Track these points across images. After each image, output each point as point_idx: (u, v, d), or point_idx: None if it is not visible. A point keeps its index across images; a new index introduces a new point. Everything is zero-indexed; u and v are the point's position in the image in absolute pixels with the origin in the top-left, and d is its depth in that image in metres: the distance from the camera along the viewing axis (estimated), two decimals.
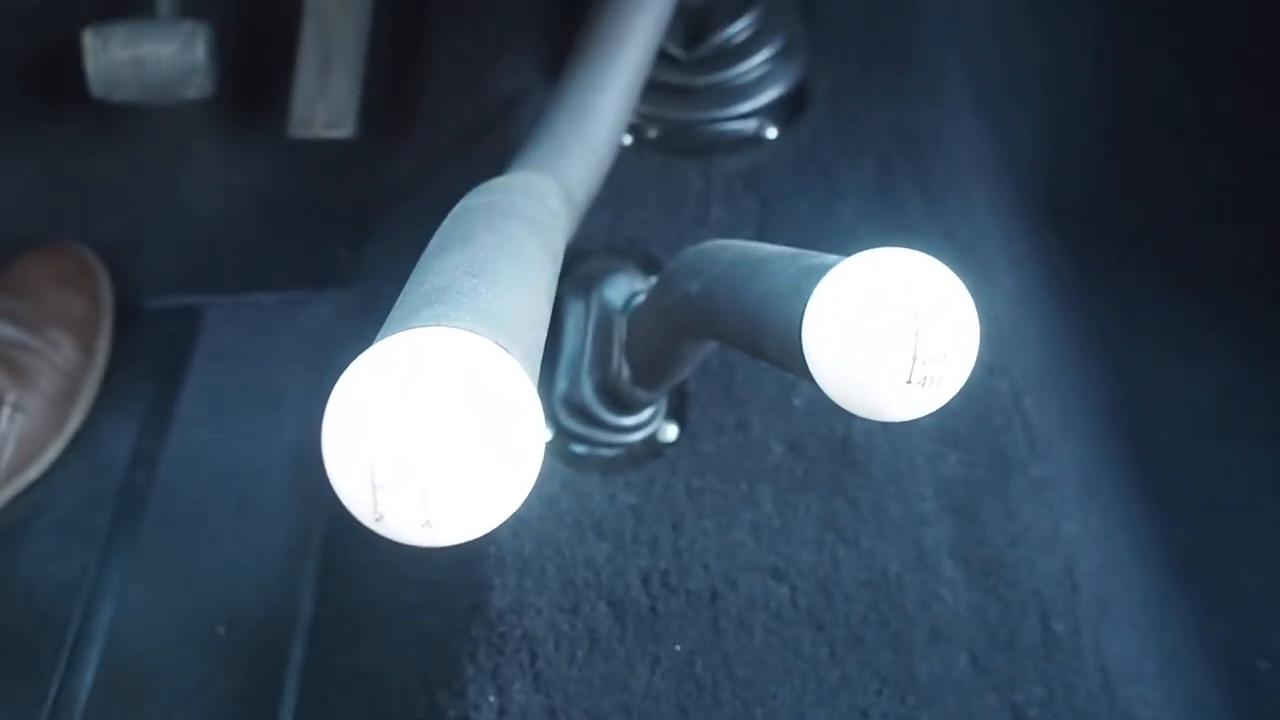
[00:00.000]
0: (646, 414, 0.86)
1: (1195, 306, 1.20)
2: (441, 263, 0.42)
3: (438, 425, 0.34)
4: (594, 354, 0.84)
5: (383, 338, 0.36)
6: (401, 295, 0.42)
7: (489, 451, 0.34)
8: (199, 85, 1.11)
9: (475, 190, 0.57)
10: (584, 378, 0.84)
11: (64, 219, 1.19)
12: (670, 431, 0.88)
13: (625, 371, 0.82)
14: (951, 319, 0.44)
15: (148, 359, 1.12)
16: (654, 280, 0.93)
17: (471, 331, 0.36)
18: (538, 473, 0.36)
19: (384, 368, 0.35)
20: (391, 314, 0.40)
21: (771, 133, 1.07)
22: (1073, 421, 0.99)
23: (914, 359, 0.45)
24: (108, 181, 1.22)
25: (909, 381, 0.45)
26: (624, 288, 0.87)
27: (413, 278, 0.43)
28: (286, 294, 1.19)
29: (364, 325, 1.18)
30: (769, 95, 1.06)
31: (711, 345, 0.74)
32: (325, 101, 1.16)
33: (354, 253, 1.21)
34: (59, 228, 1.17)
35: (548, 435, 0.86)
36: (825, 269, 0.48)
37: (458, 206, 0.55)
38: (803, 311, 0.48)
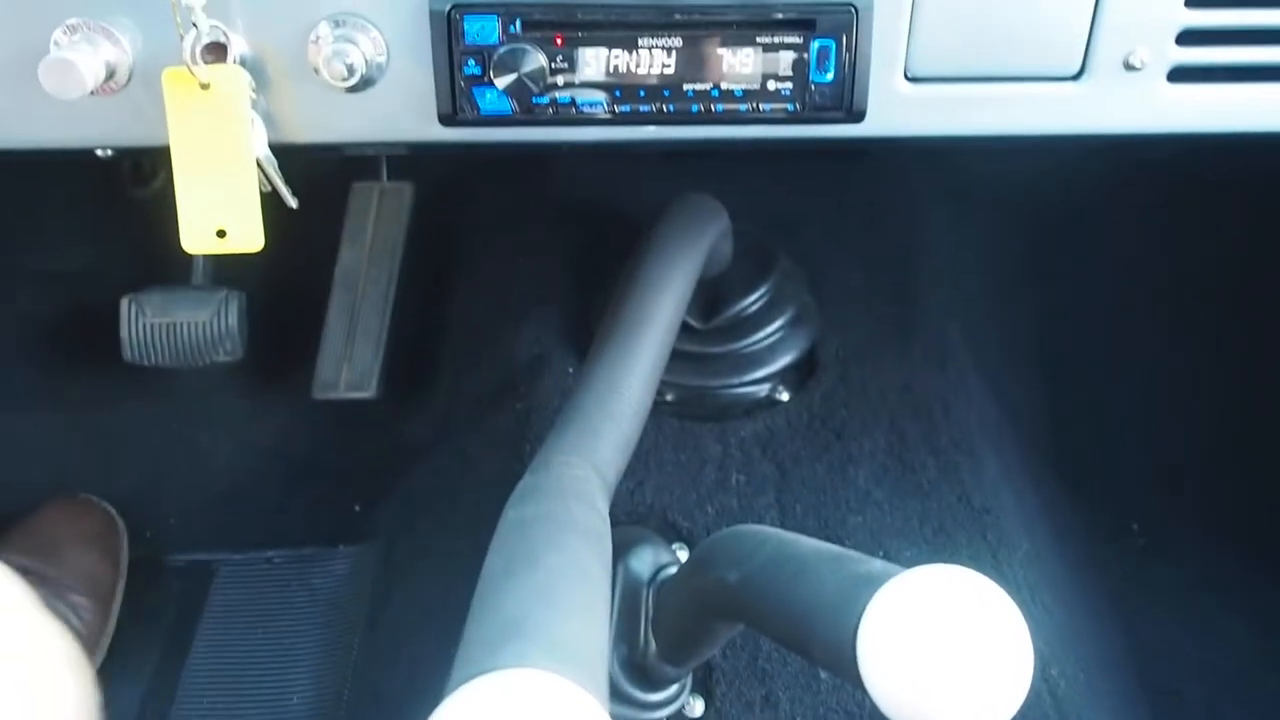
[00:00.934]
0: (673, 689, 0.85)
1: (1202, 565, 1.21)
2: (511, 589, 0.43)
3: None
4: (621, 629, 0.84)
5: (467, 677, 0.37)
6: (473, 620, 0.43)
7: None
8: (229, 350, 1.15)
9: (527, 494, 0.59)
10: (611, 654, 0.84)
11: (86, 471, 1.21)
12: (697, 707, 0.87)
13: (652, 647, 0.82)
14: (1006, 645, 0.46)
15: (158, 618, 1.11)
16: (679, 552, 0.94)
17: (555, 673, 0.37)
18: None
19: (476, 713, 0.35)
20: (467, 643, 0.41)
21: (784, 396, 1.11)
22: (1097, 689, 0.98)
23: (968, 681, 0.46)
24: (131, 437, 1.24)
25: (961, 700, 0.46)
26: (650, 560, 0.88)
27: (481, 600, 0.44)
28: (300, 550, 1.19)
29: (376, 582, 1.18)
30: (782, 361, 1.11)
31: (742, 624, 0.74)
32: (350, 365, 1.20)
33: (368, 509, 1.22)
34: (81, 479, 1.19)
35: None
36: (876, 581, 0.49)
37: (512, 514, 0.56)
38: (856, 625, 0.48)
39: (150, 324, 1.15)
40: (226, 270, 1.24)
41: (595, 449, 0.73)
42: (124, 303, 1.15)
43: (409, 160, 1.33)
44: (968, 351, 1.20)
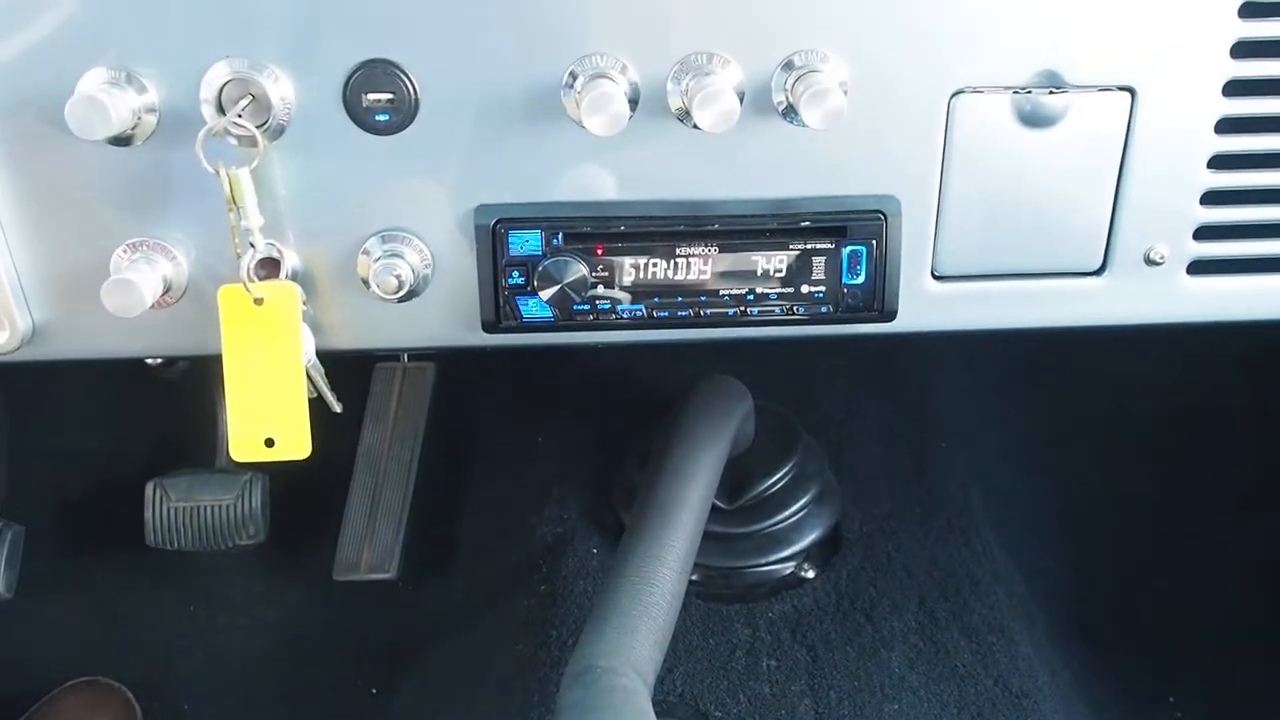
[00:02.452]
0: None
1: None
2: None
3: None
4: None
5: None
6: None
7: None
8: (252, 534, 1.14)
9: (578, 715, 0.58)
10: None
11: (104, 654, 1.19)
12: None
13: None
14: None
15: None
16: None
17: None
18: None
19: None
20: None
21: (810, 574, 1.10)
22: None
23: None
24: (149, 619, 1.22)
25: None
26: None
27: None
28: None
29: None
30: (807, 539, 1.10)
31: None
32: (371, 546, 1.19)
33: (385, 695, 1.19)
34: (99, 662, 1.16)
35: None
36: None
37: None
38: None
39: (174, 508, 1.14)
40: None
41: (634, 648, 0.72)
42: (149, 487, 1.15)
43: None
44: (990, 519, 1.19)
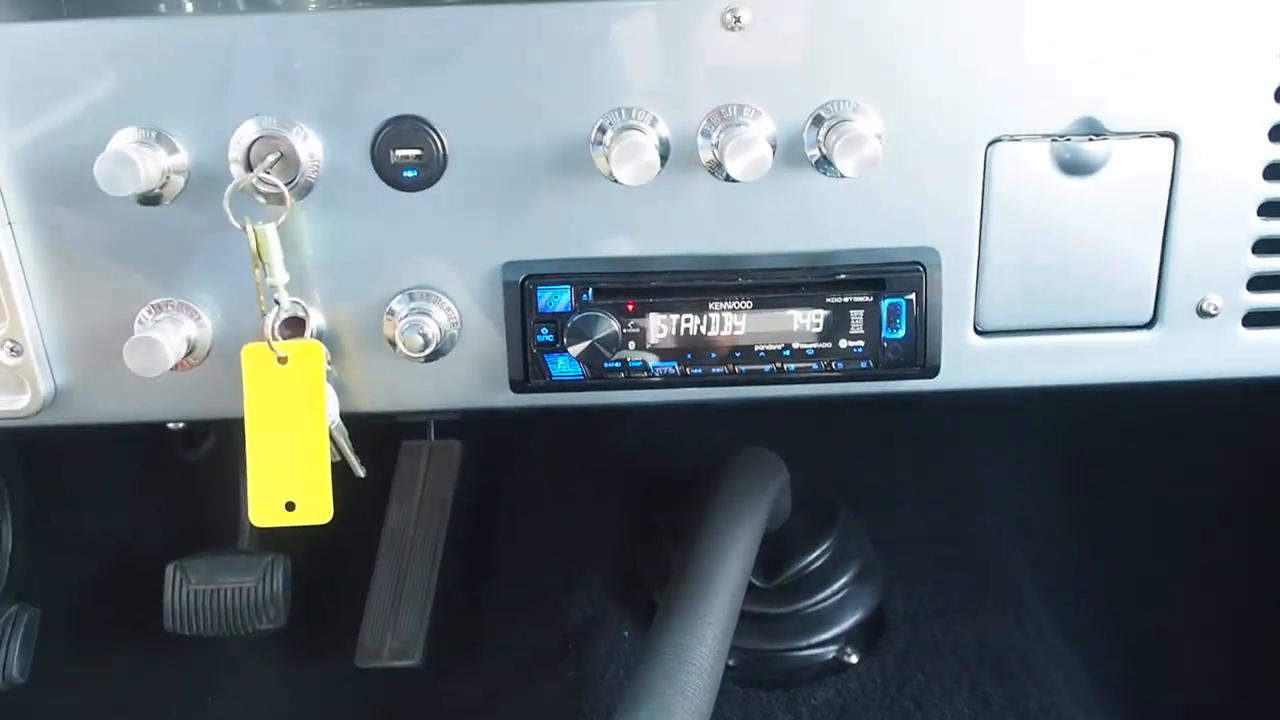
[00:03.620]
0: None
1: None
2: None
3: None
4: None
5: None
6: None
7: None
8: (273, 618, 1.11)
9: None
10: None
11: None
12: None
13: None
14: None
15: None
16: None
17: None
18: None
19: None
20: None
21: (854, 658, 1.05)
22: None
23: None
24: (165, 710, 1.18)
25: None
26: None
27: None
28: None
29: None
30: (849, 621, 1.05)
31: None
32: (394, 632, 1.16)
33: None
34: None
35: None
36: None
37: None
38: None
39: (194, 590, 1.11)
40: (272, 534, 1.22)
41: None
42: (169, 570, 1.13)
43: (457, 419, 1.34)
44: (1042, 597, 1.14)
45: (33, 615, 1.06)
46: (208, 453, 1.32)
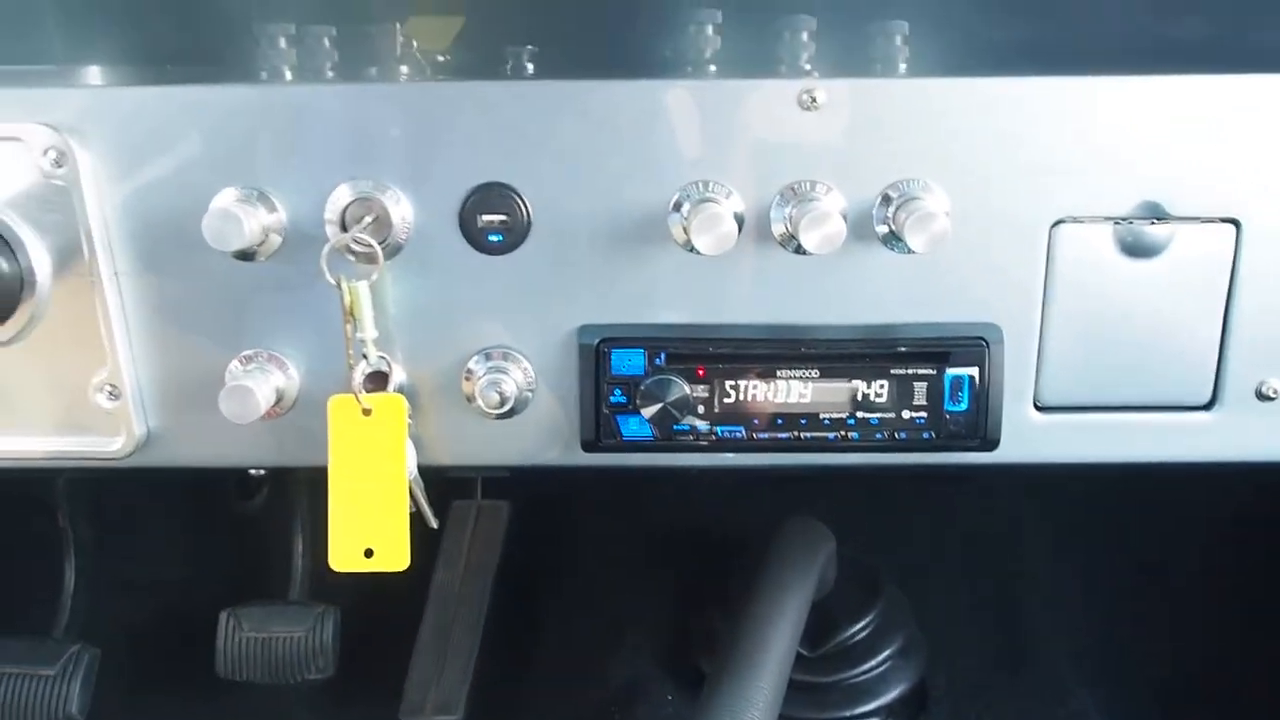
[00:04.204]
0: None
1: None
2: None
3: None
4: None
5: None
6: None
7: None
8: (321, 668, 1.12)
9: None
10: None
11: None
12: None
13: None
14: None
15: None
16: None
17: None
18: None
19: None
20: None
21: None
22: None
23: None
24: None
25: None
26: None
27: None
28: None
29: None
30: (892, 693, 1.05)
31: None
32: (438, 688, 1.16)
33: None
34: None
35: None
36: None
37: None
38: None
39: (246, 638, 1.13)
40: (322, 585, 1.23)
41: None
42: (223, 616, 1.14)
43: (506, 478, 1.35)
44: (1083, 677, 1.13)
45: (93, 655, 1.08)
46: (262, 505, 1.34)
